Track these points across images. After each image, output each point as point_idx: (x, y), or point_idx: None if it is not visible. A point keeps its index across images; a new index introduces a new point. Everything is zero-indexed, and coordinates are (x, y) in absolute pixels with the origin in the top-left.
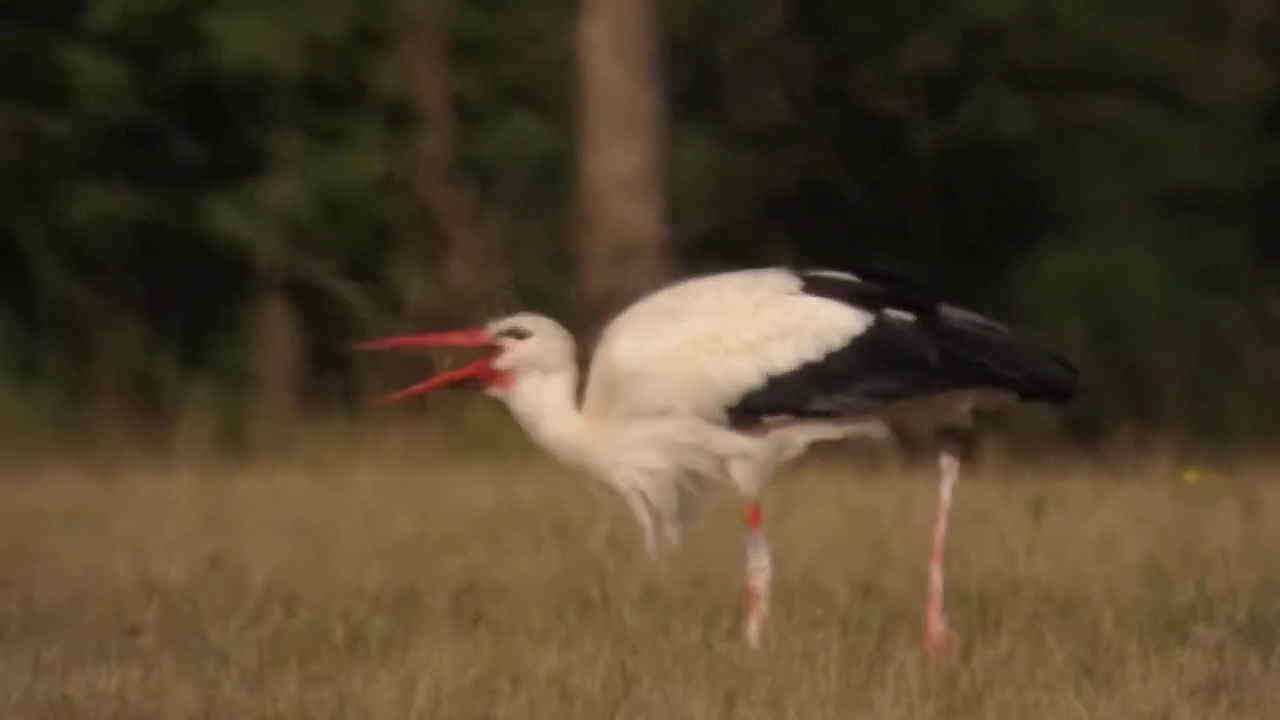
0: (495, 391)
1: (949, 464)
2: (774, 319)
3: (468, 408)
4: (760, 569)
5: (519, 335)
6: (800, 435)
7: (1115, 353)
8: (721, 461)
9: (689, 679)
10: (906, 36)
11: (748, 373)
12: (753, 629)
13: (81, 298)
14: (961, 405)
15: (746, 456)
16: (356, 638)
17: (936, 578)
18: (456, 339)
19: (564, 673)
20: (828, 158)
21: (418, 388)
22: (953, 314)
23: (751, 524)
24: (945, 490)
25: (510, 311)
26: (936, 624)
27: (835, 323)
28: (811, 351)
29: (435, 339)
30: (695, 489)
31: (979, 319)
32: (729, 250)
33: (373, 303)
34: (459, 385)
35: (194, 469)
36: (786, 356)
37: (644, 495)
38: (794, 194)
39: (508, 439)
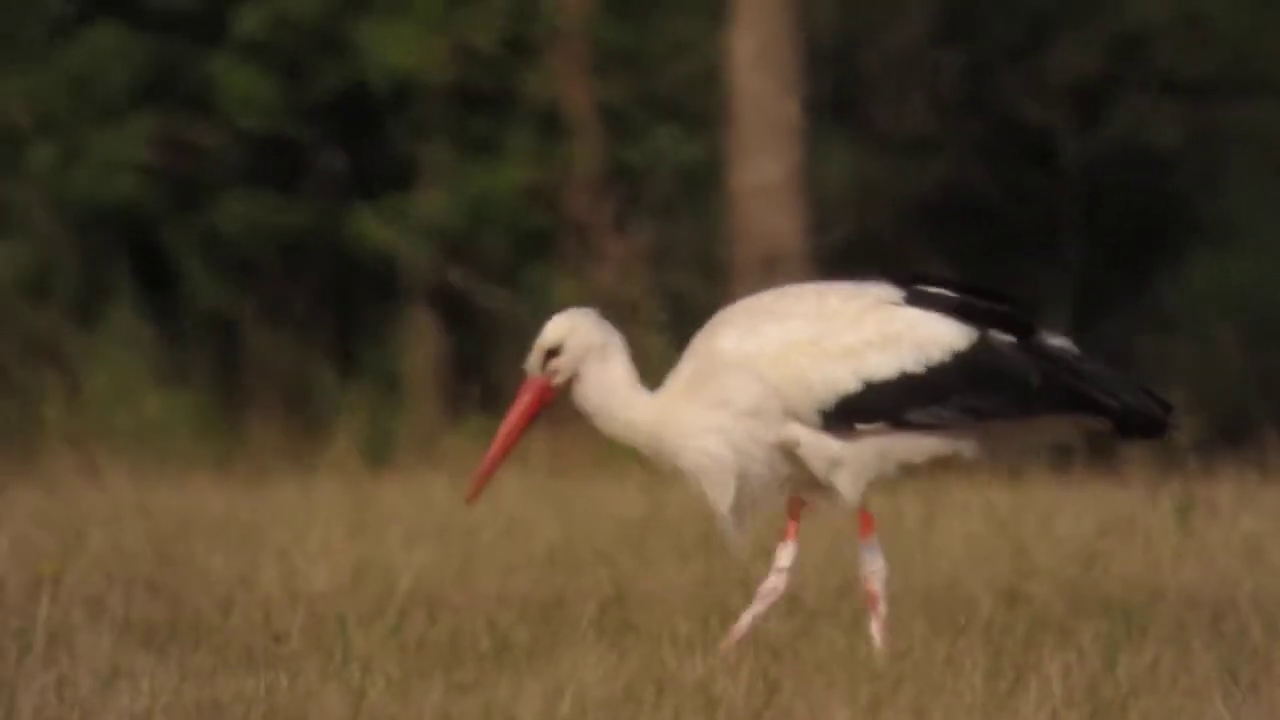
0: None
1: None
2: (875, 327)
3: None
4: (875, 572)
5: (556, 351)
6: (895, 446)
7: (1264, 358)
8: (823, 468)
9: (832, 686)
10: (1053, 43)
11: (845, 378)
12: (875, 631)
13: (231, 307)
14: (1053, 432)
15: (843, 464)
16: (502, 646)
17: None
18: (526, 402)
19: (708, 680)
20: (973, 166)
21: (494, 459)
22: (1051, 339)
23: (864, 531)
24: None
25: (656, 320)
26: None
27: (937, 336)
28: (911, 362)
29: (512, 418)
30: (757, 489)
31: (1074, 349)
32: (873, 258)
33: (521, 311)
34: (535, 419)
35: (341, 477)
36: (885, 365)
37: (715, 482)
38: (938, 202)
39: None
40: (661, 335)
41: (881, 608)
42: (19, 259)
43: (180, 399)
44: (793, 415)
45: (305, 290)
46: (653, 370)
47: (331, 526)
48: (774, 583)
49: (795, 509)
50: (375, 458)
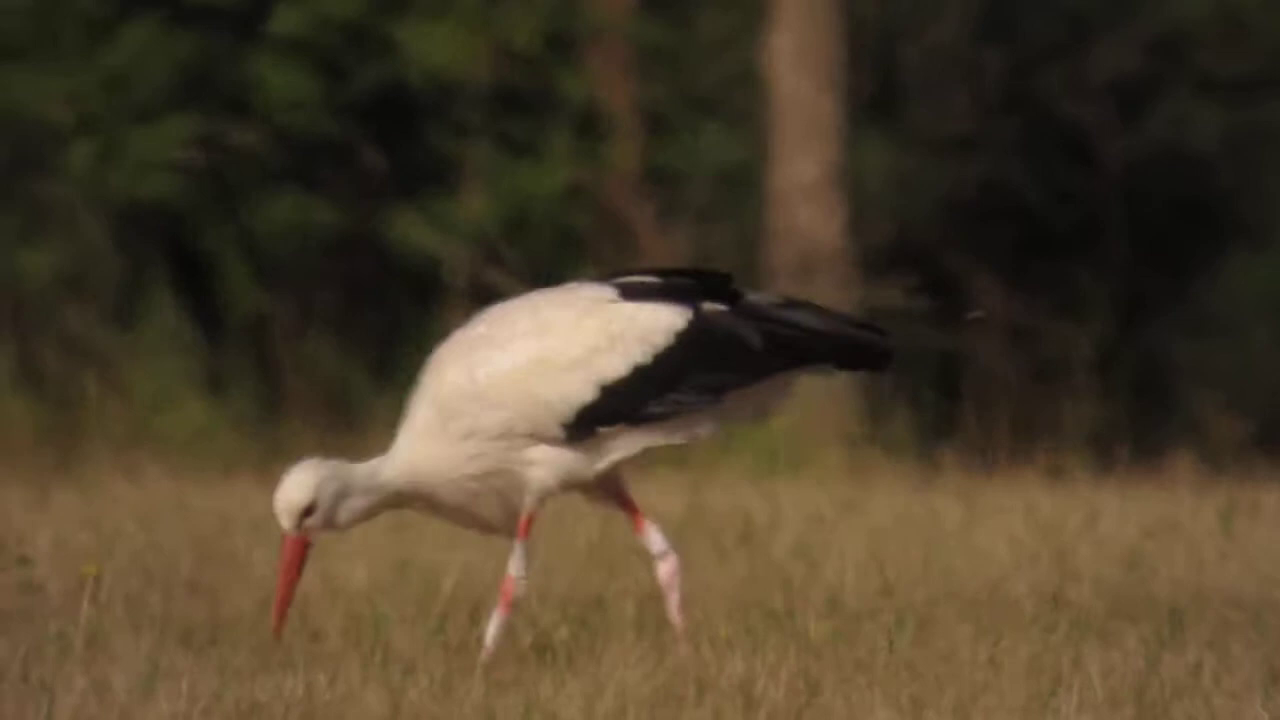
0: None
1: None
2: (597, 329)
3: None
4: (522, 578)
5: (308, 511)
6: (632, 442)
7: None
8: (522, 471)
9: (872, 686)
10: (1093, 42)
11: (580, 388)
12: (490, 630)
13: (271, 309)
14: (784, 388)
15: (548, 464)
16: (543, 645)
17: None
18: (288, 562)
19: (748, 680)
20: (1012, 165)
21: (281, 608)
22: (760, 297)
23: (523, 532)
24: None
25: None
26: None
27: (658, 323)
28: (639, 356)
29: (285, 581)
30: (515, 502)
31: (776, 298)
32: (912, 258)
33: None
34: (300, 571)
35: None
36: (616, 365)
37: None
38: (978, 202)
39: (695, 448)
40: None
41: (508, 611)
42: (58, 259)
43: (219, 400)
44: (537, 435)
45: (344, 291)
46: None
47: (371, 526)
48: (669, 567)
49: (620, 502)
50: None
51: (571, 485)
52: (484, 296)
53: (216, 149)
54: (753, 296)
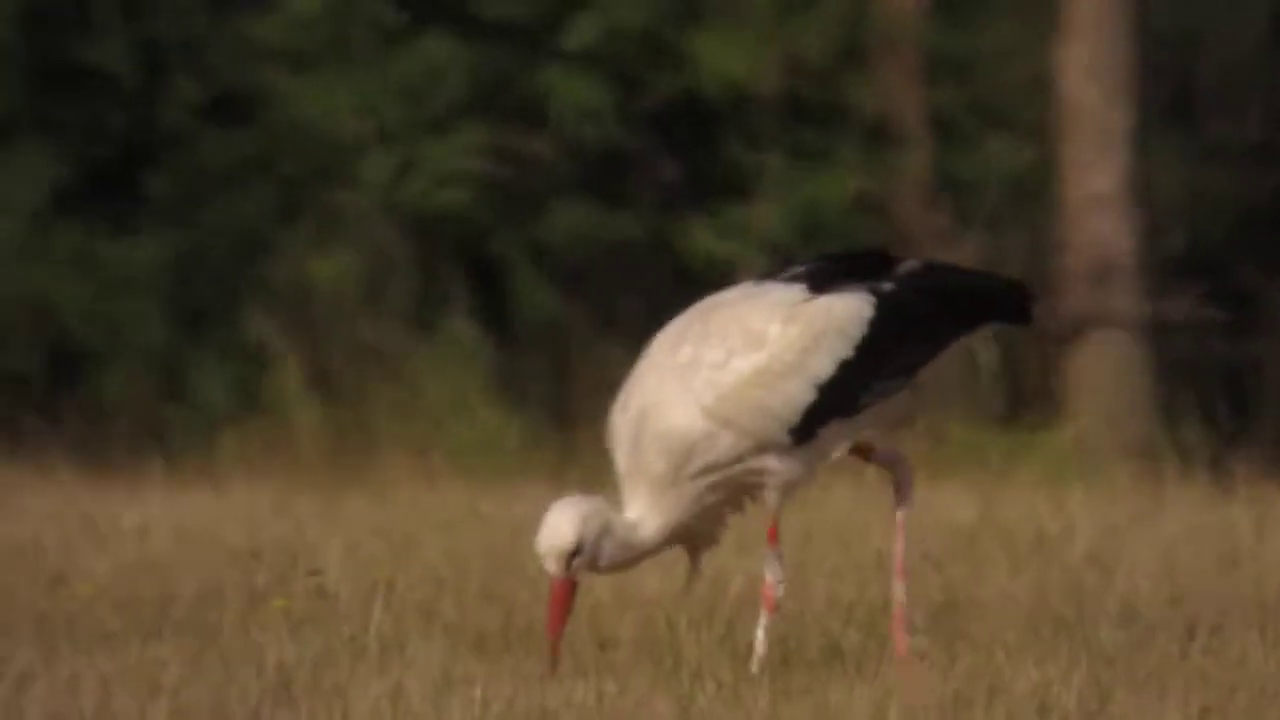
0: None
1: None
2: (802, 329)
3: (949, 424)
4: (780, 581)
5: (575, 552)
6: (846, 435)
7: None
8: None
9: (1165, 694)
10: None
11: (801, 391)
12: (758, 636)
13: (564, 316)
14: (958, 351)
15: (780, 472)
16: (832, 652)
17: (899, 591)
18: (559, 605)
19: (1041, 687)
20: None
21: (554, 651)
22: (909, 266)
23: (771, 539)
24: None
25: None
26: (902, 638)
27: (852, 313)
28: (842, 350)
29: (553, 623)
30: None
31: (916, 264)
32: (1205, 267)
33: None
34: (570, 611)
35: None
36: (825, 363)
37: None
38: (1274, 212)
39: (991, 455)
40: (990, 346)
41: (773, 617)
42: (353, 269)
43: (511, 407)
44: (763, 446)
45: (637, 301)
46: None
47: None
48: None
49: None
50: None
51: (800, 487)
52: None
53: (509, 159)
54: (908, 267)
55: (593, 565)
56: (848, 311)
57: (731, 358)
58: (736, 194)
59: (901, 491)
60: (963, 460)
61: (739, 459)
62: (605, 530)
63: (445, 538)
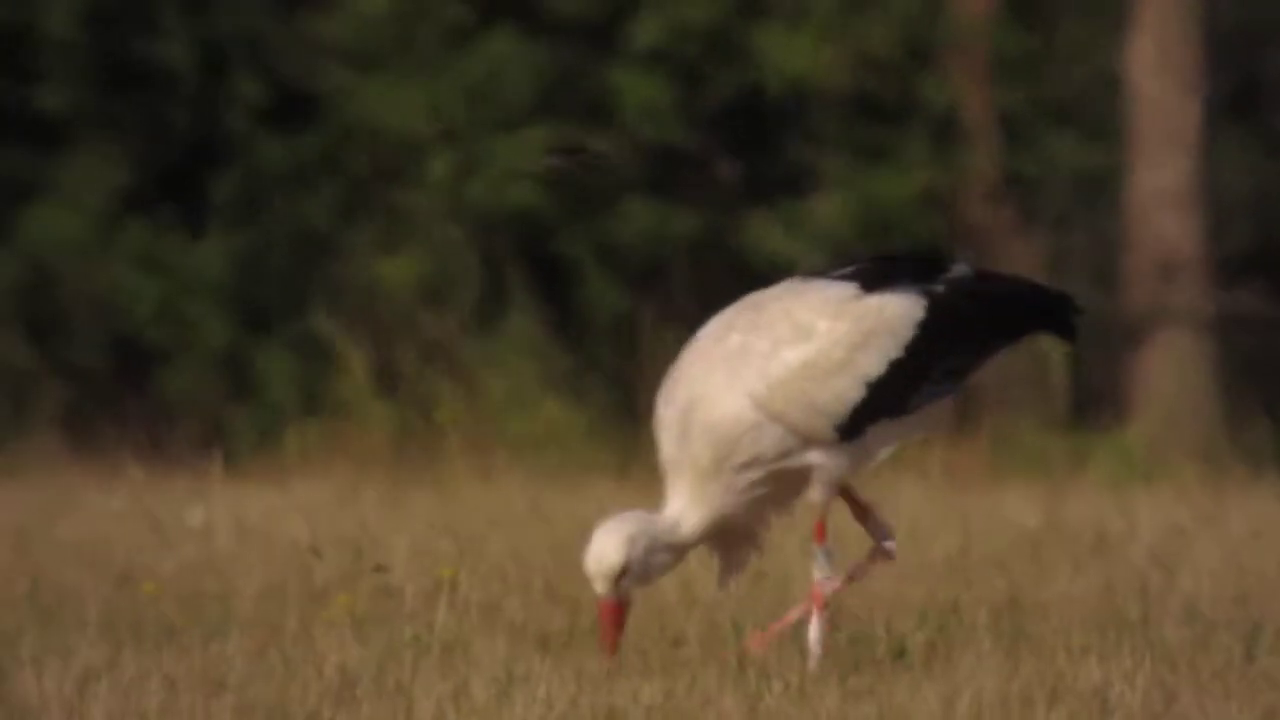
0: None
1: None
2: (851, 327)
3: (1013, 427)
4: (829, 578)
5: (624, 572)
6: (892, 436)
7: None
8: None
9: (1229, 696)
10: None
11: (849, 388)
12: (811, 635)
13: (629, 313)
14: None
15: (826, 467)
16: (898, 651)
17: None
18: (610, 626)
19: (1104, 687)
20: None
21: (612, 652)
22: (961, 270)
23: (819, 536)
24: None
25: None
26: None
27: (903, 314)
28: (893, 349)
29: (607, 641)
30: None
31: (968, 269)
32: (1272, 263)
33: None
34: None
35: None
36: (874, 361)
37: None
38: None
39: (1053, 457)
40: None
41: (825, 615)
42: (419, 266)
43: (576, 403)
44: (812, 440)
45: (702, 297)
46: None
47: None
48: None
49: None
50: None
51: (839, 488)
52: None
53: (574, 158)
54: (956, 270)
55: (643, 580)
56: (899, 311)
57: (780, 348)
58: (800, 191)
59: (872, 557)
60: (1028, 461)
61: (786, 453)
62: (651, 545)
63: (509, 535)
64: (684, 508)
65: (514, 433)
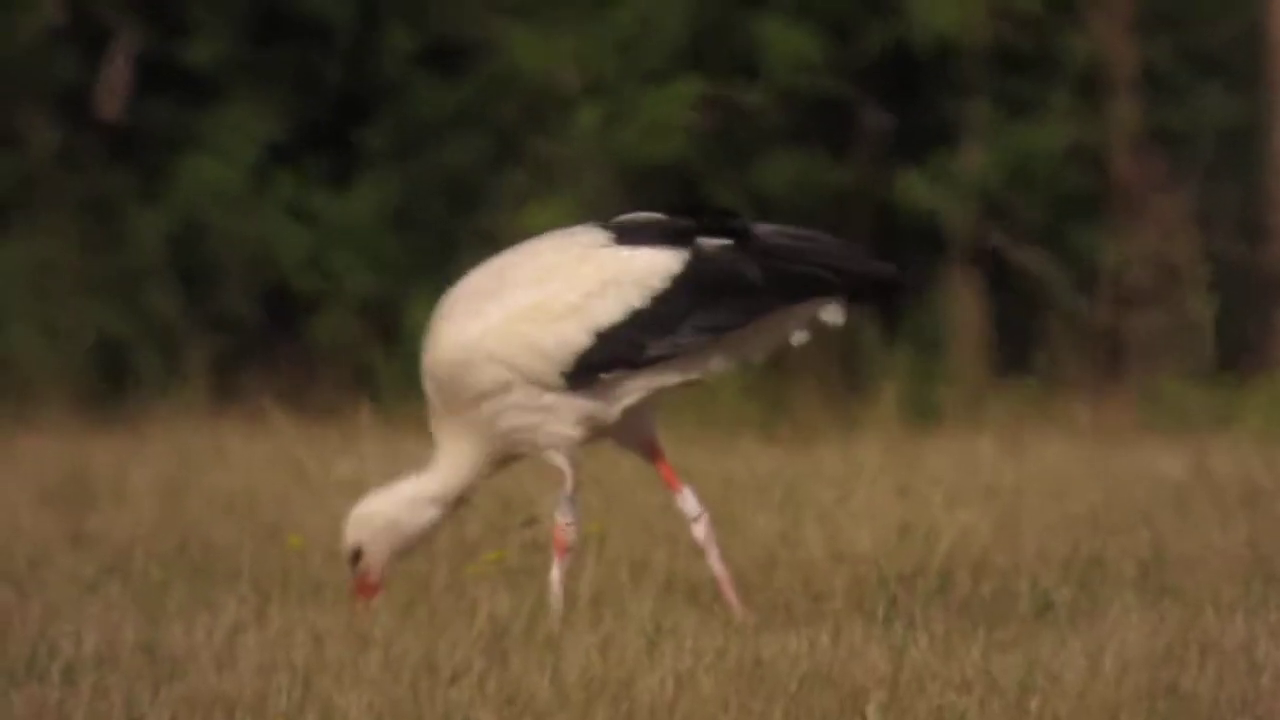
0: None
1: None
2: (592, 274)
3: (1159, 380)
4: (570, 525)
5: (359, 554)
6: (640, 385)
7: None
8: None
9: None
10: None
11: (577, 334)
12: (555, 577)
13: None
14: (793, 324)
15: (561, 411)
16: (1043, 605)
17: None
18: (368, 597)
19: (1250, 643)
20: None
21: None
22: (767, 231)
23: (566, 481)
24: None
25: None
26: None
27: (653, 266)
28: (636, 299)
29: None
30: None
31: (794, 230)
32: None
33: (1062, 273)
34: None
35: (883, 438)
36: (611, 310)
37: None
38: None
39: (1199, 410)
40: (1206, 298)
41: (567, 559)
42: (566, 216)
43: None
44: (536, 383)
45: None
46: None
47: (875, 487)
48: (702, 527)
49: (649, 453)
50: (918, 418)
51: (593, 432)
52: (986, 256)
53: (722, 109)
54: (769, 230)
55: (406, 544)
56: (649, 263)
57: (509, 290)
58: (947, 144)
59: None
60: (1174, 415)
61: (505, 391)
62: (393, 526)
63: (657, 489)
64: (436, 457)
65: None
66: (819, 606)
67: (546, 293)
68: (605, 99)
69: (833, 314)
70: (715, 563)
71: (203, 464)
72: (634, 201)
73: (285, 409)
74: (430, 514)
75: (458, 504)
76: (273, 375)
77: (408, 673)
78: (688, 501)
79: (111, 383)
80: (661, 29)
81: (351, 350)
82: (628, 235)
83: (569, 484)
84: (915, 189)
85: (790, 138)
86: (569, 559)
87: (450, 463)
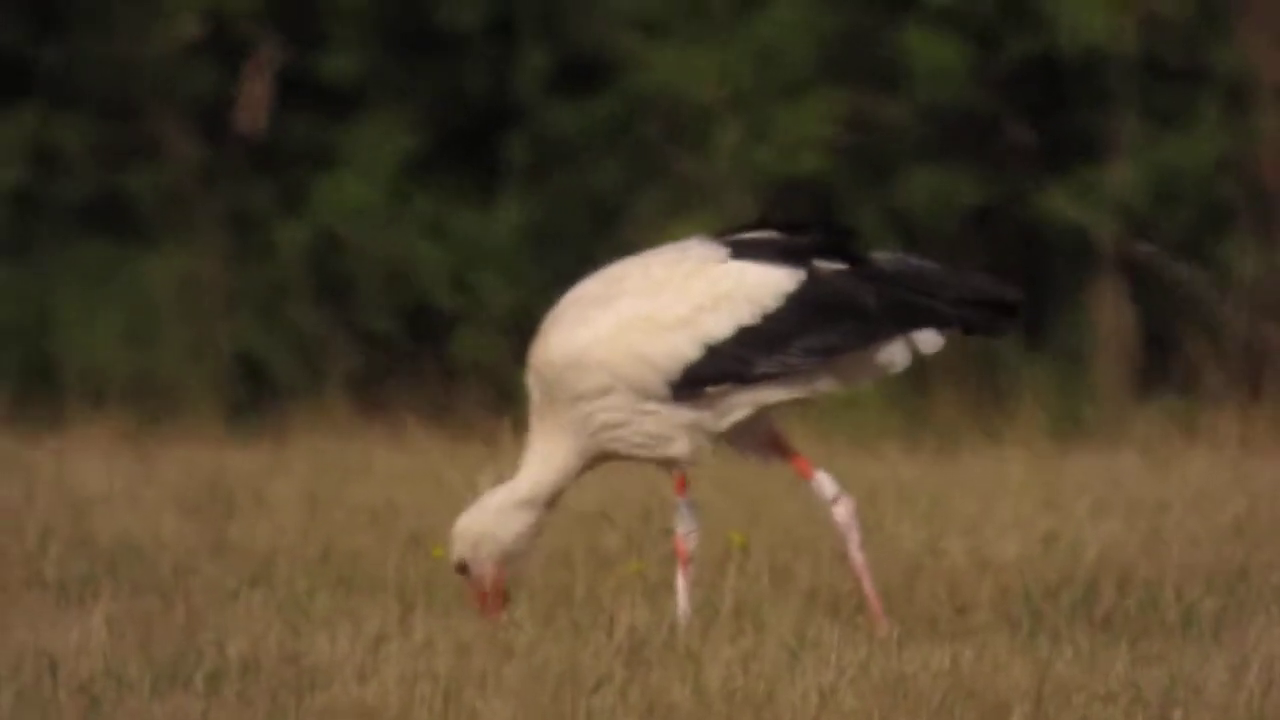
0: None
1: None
2: (704, 289)
3: None
4: (691, 532)
5: (466, 567)
6: (745, 401)
7: None
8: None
9: None
10: None
11: (686, 346)
12: (681, 589)
13: None
14: (905, 351)
15: (688, 427)
16: (1188, 618)
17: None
18: (490, 601)
19: None
20: None
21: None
22: (884, 257)
23: (679, 489)
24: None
25: None
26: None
27: (766, 283)
28: (747, 316)
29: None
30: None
31: (911, 258)
32: None
33: (1208, 284)
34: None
35: (1028, 449)
36: (721, 325)
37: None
38: None
39: None
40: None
41: (691, 569)
42: (707, 232)
43: None
44: (640, 392)
45: (993, 263)
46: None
47: (1020, 499)
48: (845, 510)
49: (781, 453)
50: (1062, 430)
51: (700, 442)
52: (1133, 269)
53: (863, 123)
54: (885, 257)
55: (514, 550)
56: (763, 280)
57: (621, 299)
58: (1092, 157)
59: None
60: None
61: (604, 394)
62: (495, 538)
63: (799, 499)
64: (526, 458)
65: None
66: (963, 619)
67: (657, 304)
68: (744, 114)
69: (930, 343)
70: (855, 551)
71: (345, 476)
72: (775, 215)
73: (427, 424)
74: (523, 519)
75: (551, 504)
76: (414, 390)
77: (550, 682)
78: (825, 485)
79: (254, 395)
80: (801, 42)
81: (493, 367)
82: (743, 251)
83: (684, 493)
84: (1060, 203)
85: (932, 152)
86: (692, 568)
87: (539, 462)
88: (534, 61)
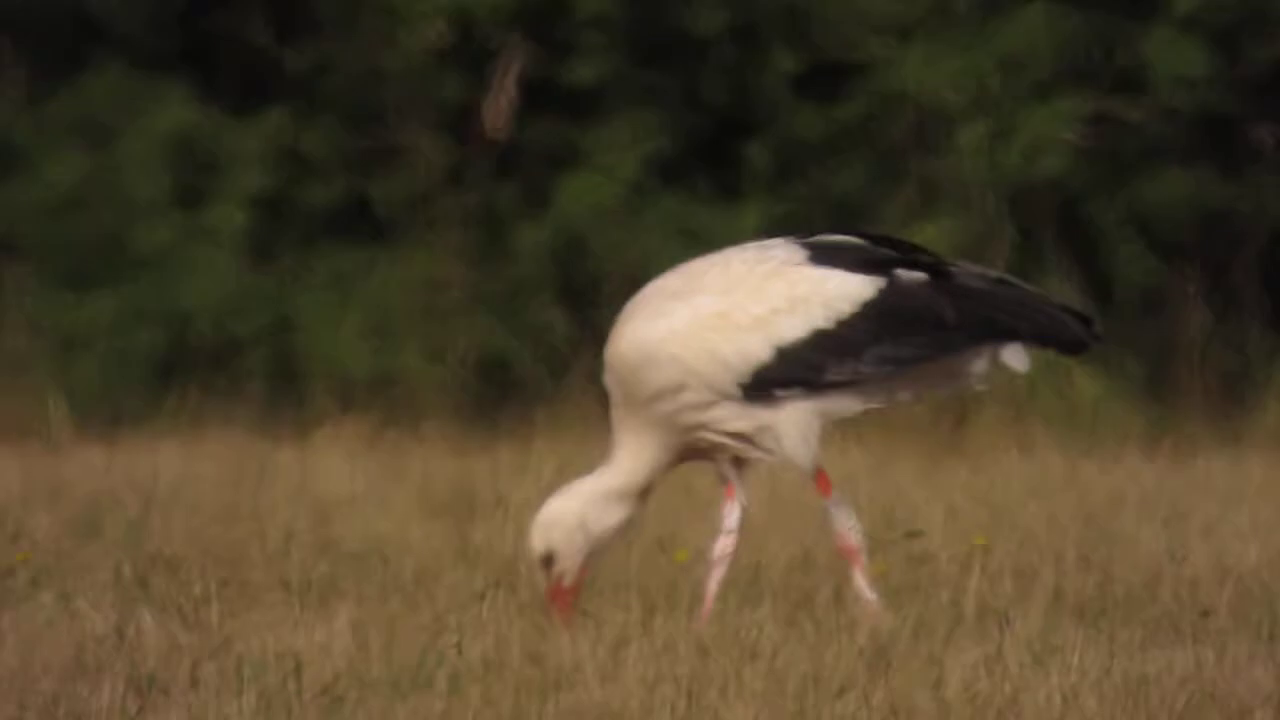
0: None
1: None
2: (782, 291)
3: None
4: (851, 529)
5: (551, 560)
6: (818, 407)
7: None
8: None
9: None
10: None
11: (759, 347)
12: (862, 586)
13: (1162, 285)
14: (979, 364)
15: (778, 430)
16: None
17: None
18: (565, 602)
19: None
20: None
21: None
22: (963, 271)
23: (825, 490)
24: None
25: None
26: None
27: (845, 290)
28: (822, 321)
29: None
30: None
31: (990, 273)
32: None
33: None
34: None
35: (1269, 452)
36: (796, 328)
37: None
38: None
39: None
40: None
41: (864, 559)
42: (951, 235)
43: (1110, 372)
44: (713, 392)
45: (1239, 266)
46: None
47: (1261, 502)
48: (724, 545)
49: (735, 468)
50: None
51: (791, 444)
52: None
53: (1107, 126)
54: (958, 269)
55: (598, 544)
56: (841, 286)
57: (698, 295)
58: None
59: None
60: None
61: (679, 391)
62: (583, 530)
63: (1042, 504)
64: (614, 452)
65: (1047, 402)
66: (1204, 623)
67: (733, 302)
68: (988, 117)
69: (1016, 358)
70: (712, 584)
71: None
72: (1015, 220)
73: None
74: (617, 511)
75: (643, 497)
76: None
77: (792, 685)
78: (731, 515)
79: (497, 397)
80: (1046, 45)
81: None
82: (823, 255)
83: (833, 492)
84: None
85: (1177, 155)
86: (865, 561)
87: (630, 456)
88: (779, 64)
